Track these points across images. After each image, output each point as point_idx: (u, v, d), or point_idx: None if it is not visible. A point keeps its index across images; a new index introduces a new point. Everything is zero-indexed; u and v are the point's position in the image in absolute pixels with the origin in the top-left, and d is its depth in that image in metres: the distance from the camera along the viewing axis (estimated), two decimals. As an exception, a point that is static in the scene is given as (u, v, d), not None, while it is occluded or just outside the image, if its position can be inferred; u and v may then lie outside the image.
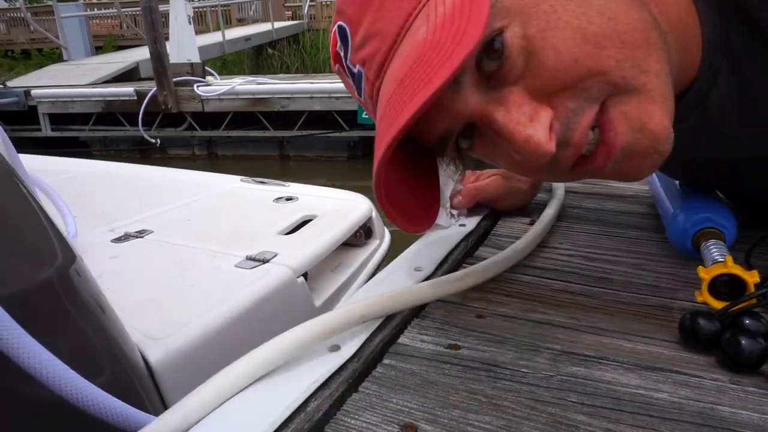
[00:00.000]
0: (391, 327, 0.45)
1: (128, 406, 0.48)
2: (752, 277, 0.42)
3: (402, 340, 0.44)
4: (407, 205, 0.43)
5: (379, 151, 0.36)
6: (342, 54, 0.42)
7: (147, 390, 0.73)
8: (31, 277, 0.51)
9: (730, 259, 0.44)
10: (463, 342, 0.43)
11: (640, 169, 0.39)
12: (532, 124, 0.35)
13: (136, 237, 1.24)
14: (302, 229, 1.31)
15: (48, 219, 0.56)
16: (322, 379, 0.37)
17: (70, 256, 0.57)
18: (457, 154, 0.43)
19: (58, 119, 5.69)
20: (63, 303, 0.54)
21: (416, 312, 0.48)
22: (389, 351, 0.42)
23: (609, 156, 0.37)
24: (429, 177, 0.47)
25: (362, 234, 1.42)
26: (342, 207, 1.45)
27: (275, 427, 0.33)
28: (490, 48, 0.35)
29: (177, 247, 1.19)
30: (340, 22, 0.41)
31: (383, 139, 0.35)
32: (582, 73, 0.35)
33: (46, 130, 5.67)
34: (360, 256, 1.39)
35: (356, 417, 0.35)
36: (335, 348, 0.41)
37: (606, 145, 0.37)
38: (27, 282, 0.50)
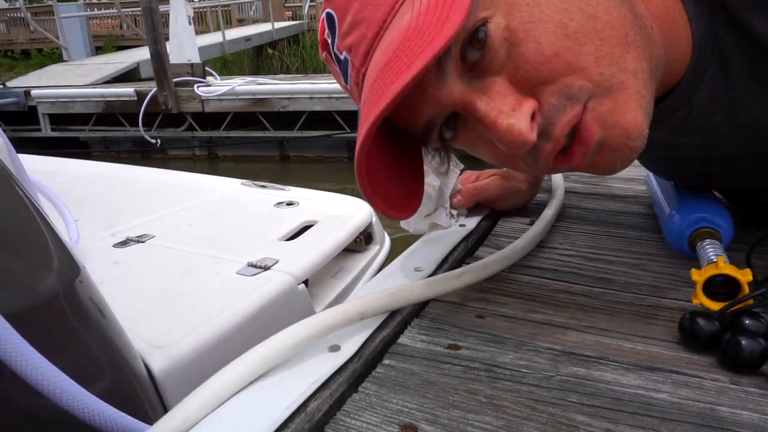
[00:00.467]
0: (391, 327, 0.45)
1: (131, 418, 0.48)
2: (745, 276, 0.42)
3: (402, 340, 0.44)
4: (390, 192, 0.43)
5: (361, 135, 0.36)
6: (329, 41, 0.43)
7: (150, 399, 0.73)
8: (37, 291, 0.51)
9: (721, 259, 0.44)
10: (463, 342, 0.43)
11: (612, 163, 0.40)
12: (514, 114, 0.36)
13: (138, 242, 1.25)
14: (303, 235, 1.31)
15: (51, 229, 0.56)
16: (322, 380, 0.37)
17: (74, 267, 0.57)
18: (442, 144, 0.44)
19: (58, 119, 5.69)
20: (67, 316, 0.54)
21: (416, 312, 0.48)
22: (389, 351, 0.42)
23: (585, 155, 0.38)
24: (414, 167, 0.47)
25: (363, 239, 1.42)
26: (342, 212, 1.45)
27: (275, 427, 0.33)
28: (474, 38, 0.36)
29: (178, 253, 1.19)
30: (328, 9, 0.42)
31: (364, 123, 0.36)
32: (562, 68, 0.36)
33: (46, 131, 5.67)
34: (361, 261, 1.39)
35: (356, 417, 0.35)
36: (335, 348, 0.41)
37: (583, 144, 0.38)
38: (32, 297, 0.50)
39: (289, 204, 1.53)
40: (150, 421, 0.63)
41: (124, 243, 1.24)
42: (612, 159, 0.39)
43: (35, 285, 0.51)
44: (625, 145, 0.38)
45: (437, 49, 0.32)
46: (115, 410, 0.47)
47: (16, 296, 0.47)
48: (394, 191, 0.44)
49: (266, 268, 1.10)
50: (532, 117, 0.37)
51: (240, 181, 1.78)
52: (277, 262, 1.13)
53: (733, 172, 0.56)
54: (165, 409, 0.76)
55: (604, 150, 0.38)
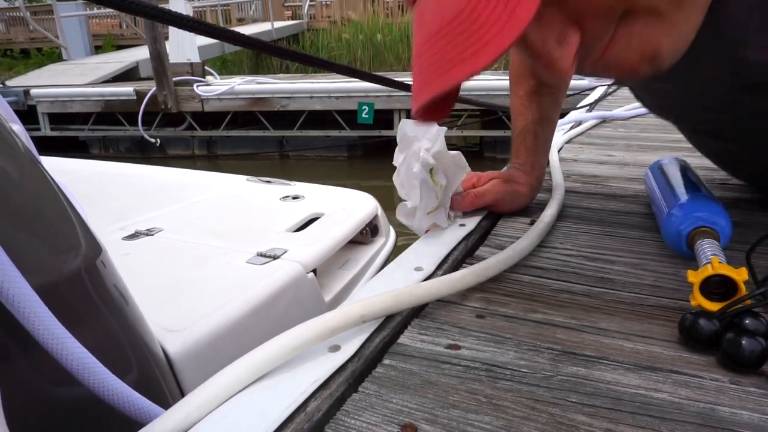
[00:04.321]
0: (391, 327, 0.45)
1: (145, 399, 0.48)
2: (740, 276, 0.42)
3: (402, 340, 0.44)
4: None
5: (421, 100, 0.39)
6: None
7: (167, 380, 0.74)
8: (60, 267, 0.51)
9: (716, 260, 0.44)
10: (463, 342, 0.43)
11: (635, 71, 0.41)
12: (560, 48, 0.38)
13: (147, 235, 1.25)
14: (310, 226, 1.33)
15: (74, 209, 0.57)
16: (321, 379, 0.37)
17: (96, 247, 0.57)
18: None
19: (57, 119, 5.68)
20: (90, 293, 0.55)
21: (416, 312, 0.48)
22: (389, 351, 0.42)
23: (606, 63, 0.40)
24: None
25: (368, 231, 1.44)
26: (348, 205, 1.47)
27: (275, 426, 0.33)
28: None
29: (188, 245, 1.20)
30: None
31: (424, 92, 0.38)
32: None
33: (46, 130, 5.66)
34: (367, 253, 1.41)
35: (356, 417, 0.35)
36: (335, 348, 0.41)
37: (605, 57, 0.40)
38: (56, 272, 0.50)
39: (295, 198, 1.54)
40: (167, 402, 0.64)
41: (134, 236, 1.25)
42: (631, 69, 0.40)
43: (58, 260, 0.52)
44: (649, 66, 0.39)
45: (501, 51, 0.33)
46: (131, 390, 0.47)
47: (40, 271, 0.48)
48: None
49: (276, 258, 1.11)
50: (574, 48, 0.38)
51: (245, 177, 1.79)
52: (286, 252, 1.14)
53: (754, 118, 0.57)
54: (181, 391, 0.78)
55: (623, 64, 0.40)
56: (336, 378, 0.38)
